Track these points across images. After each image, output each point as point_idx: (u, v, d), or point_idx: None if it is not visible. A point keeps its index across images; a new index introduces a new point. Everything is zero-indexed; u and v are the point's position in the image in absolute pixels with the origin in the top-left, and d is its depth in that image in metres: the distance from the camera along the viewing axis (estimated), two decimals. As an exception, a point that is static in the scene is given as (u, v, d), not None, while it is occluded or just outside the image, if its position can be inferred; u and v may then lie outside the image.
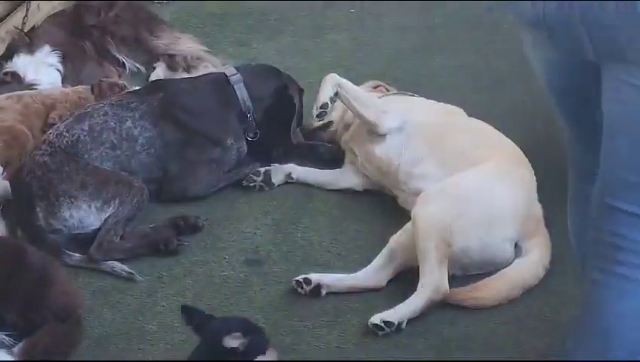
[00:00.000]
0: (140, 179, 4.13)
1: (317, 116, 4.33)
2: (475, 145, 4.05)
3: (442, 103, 4.43)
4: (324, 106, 4.26)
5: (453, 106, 4.42)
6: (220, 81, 4.44)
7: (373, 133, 4.25)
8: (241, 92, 4.40)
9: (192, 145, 4.28)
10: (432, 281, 3.59)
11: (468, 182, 3.84)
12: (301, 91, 4.57)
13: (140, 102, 4.27)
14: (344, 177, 4.42)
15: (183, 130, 4.27)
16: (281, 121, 4.45)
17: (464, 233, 3.68)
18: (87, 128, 4.15)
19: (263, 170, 4.39)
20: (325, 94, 4.26)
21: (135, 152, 4.19)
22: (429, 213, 3.69)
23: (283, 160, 4.49)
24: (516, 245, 3.80)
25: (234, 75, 4.43)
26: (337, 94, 4.26)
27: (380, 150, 4.23)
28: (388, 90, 4.64)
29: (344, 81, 4.30)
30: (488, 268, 3.74)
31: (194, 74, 5.02)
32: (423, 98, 4.52)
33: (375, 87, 4.65)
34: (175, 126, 4.26)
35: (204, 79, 4.55)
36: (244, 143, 4.44)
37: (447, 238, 3.64)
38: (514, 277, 3.70)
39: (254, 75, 4.51)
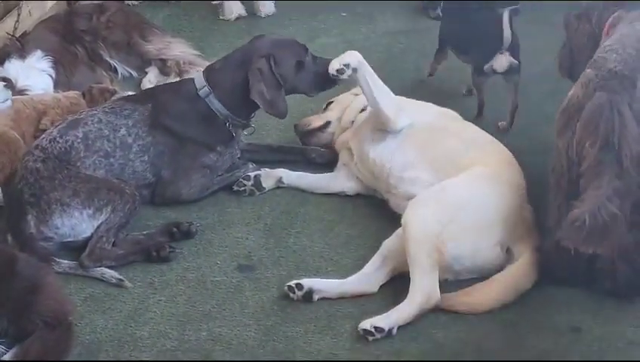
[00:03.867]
0: (132, 186, 4.12)
1: (337, 71, 4.14)
2: (465, 149, 4.03)
3: (437, 106, 4.39)
4: (340, 71, 4.13)
5: (448, 110, 4.37)
6: (193, 95, 4.29)
7: (385, 127, 4.17)
8: (214, 104, 4.28)
9: (186, 152, 4.27)
10: (423, 287, 3.59)
11: (458, 188, 3.83)
12: (269, 56, 4.23)
13: (132, 110, 4.24)
14: (336, 181, 4.40)
15: (175, 138, 4.25)
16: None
17: (455, 239, 3.67)
18: (80, 135, 4.14)
19: (253, 174, 4.38)
20: (345, 61, 4.12)
21: (129, 160, 4.19)
22: (420, 219, 3.69)
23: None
24: (508, 249, 3.79)
25: (202, 87, 4.28)
26: (356, 71, 4.15)
27: (373, 152, 4.21)
28: (380, 94, 4.61)
29: (366, 64, 4.16)
30: (480, 272, 3.73)
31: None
32: (416, 100, 4.50)
33: (367, 91, 4.62)
34: (167, 134, 4.24)
35: (184, 89, 4.35)
36: (237, 147, 4.42)
37: (437, 244, 3.64)
38: (505, 281, 3.69)
39: (224, 77, 4.29)
